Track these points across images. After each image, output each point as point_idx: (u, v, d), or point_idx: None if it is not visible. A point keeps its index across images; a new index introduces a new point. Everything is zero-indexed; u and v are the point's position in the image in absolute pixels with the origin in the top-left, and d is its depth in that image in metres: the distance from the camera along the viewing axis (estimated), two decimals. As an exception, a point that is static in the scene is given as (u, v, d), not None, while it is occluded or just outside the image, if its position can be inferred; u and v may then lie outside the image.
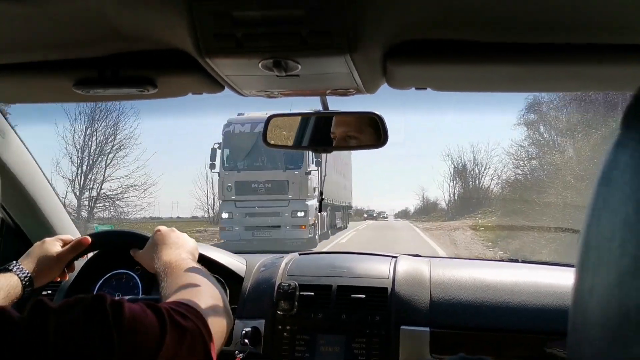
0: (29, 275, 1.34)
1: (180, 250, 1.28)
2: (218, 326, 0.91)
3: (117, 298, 0.73)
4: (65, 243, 1.50)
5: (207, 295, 0.97)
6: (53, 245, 1.46)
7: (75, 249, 1.49)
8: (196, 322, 0.81)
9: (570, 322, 0.40)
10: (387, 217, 75.92)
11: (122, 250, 1.59)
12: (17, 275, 1.32)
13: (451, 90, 1.28)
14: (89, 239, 1.52)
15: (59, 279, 1.52)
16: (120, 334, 0.68)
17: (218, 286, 1.09)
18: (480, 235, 19.36)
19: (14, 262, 1.38)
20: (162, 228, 1.37)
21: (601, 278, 0.35)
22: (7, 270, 1.32)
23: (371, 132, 1.49)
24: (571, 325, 0.40)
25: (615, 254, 0.33)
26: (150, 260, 1.26)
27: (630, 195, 0.33)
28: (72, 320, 0.67)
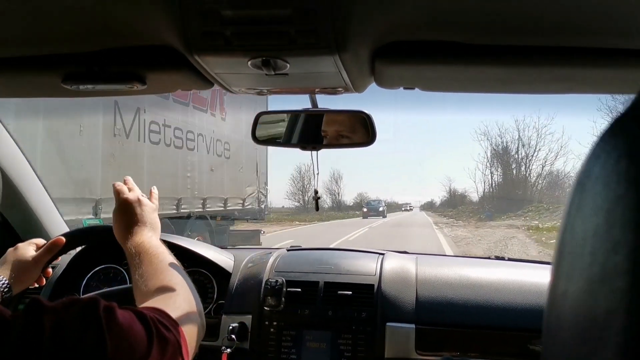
0: (6, 282, 1.32)
1: (147, 227, 1.25)
2: (193, 338, 0.91)
3: (107, 303, 0.73)
4: (38, 247, 1.47)
5: (184, 303, 0.97)
6: (27, 250, 1.43)
7: (51, 251, 1.46)
8: (176, 334, 0.81)
9: (545, 323, 0.41)
10: (411, 208, 75.50)
11: (109, 245, 1.59)
12: None
13: (439, 90, 1.29)
14: (63, 239, 1.50)
15: (36, 285, 1.49)
16: (112, 339, 0.68)
17: (193, 288, 1.08)
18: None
19: None
20: (130, 196, 1.32)
21: (573, 283, 0.36)
22: None
23: (361, 130, 1.50)
24: (545, 327, 0.41)
25: (586, 262, 0.34)
26: (121, 234, 1.24)
27: (602, 205, 0.34)
28: (68, 320, 0.67)
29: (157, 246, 1.18)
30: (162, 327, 0.78)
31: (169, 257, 1.15)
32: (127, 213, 1.28)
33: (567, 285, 0.37)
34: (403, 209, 72.33)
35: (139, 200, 1.32)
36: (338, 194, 69.60)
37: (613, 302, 0.31)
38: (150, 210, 1.33)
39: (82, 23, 1.00)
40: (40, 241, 1.50)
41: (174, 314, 0.86)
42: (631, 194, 0.32)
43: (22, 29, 1.03)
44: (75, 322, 0.68)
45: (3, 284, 1.31)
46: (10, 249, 1.44)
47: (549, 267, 1.84)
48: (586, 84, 1.21)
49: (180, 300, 0.97)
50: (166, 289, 0.99)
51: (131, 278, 1.78)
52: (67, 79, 1.16)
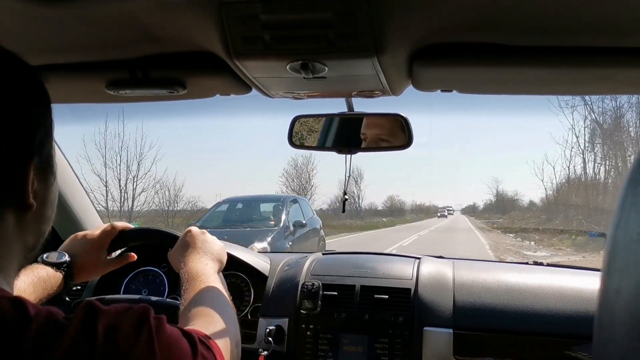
0: (68, 259, 1.32)
1: (207, 256, 1.27)
2: None
3: (156, 315, 0.74)
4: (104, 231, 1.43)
5: (225, 331, 0.98)
6: (89, 234, 1.42)
7: (109, 234, 1.43)
8: (216, 355, 0.82)
9: (596, 322, 0.40)
10: (452, 212, 72.21)
11: (150, 248, 1.62)
12: (57, 267, 1.29)
13: (478, 92, 1.28)
14: (130, 225, 1.49)
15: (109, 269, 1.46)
16: (161, 348, 0.69)
17: (235, 318, 1.09)
18: None
19: (54, 252, 1.34)
20: (193, 229, 1.36)
21: (628, 279, 0.35)
22: (48, 264, 1.29)
23: (399, 134, 1.50)
24: (597, 325, 0.40)
25: None
26: (177, 261, 1.26)
27: None
28: (121, 325, 0.68)
29: (208, 274, 1.19)
30: (204, 347, 0.79)
31: (216, 284, 1.16)
32: (186, 241, 1.32)
33: (620, 282, 0.36)
34: (439, 214, 66.06)
35: (203, 232, 1.35)
36: (358, 197, 57.55)
37: None
38: (214, 241, 1.35)
39: (125, 30, 1.03)
40: (107, 226, 1.47)
41: (214, 338, 0.87)
42: None
43: (68, 37, 1.06)
44: (129, 327, 0.68)
45: (64, 262, 1.31)
46: (72, 236, 1.43)
47: (588, 272, 1.81)
48: (629, 85, 1.18)
49: (219, 327, 0.98)
50: (207, 316, 1.01)
51: (169, 281, 1.82)
52: (111, 84, 1.20)
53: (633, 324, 0.34)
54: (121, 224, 1.48)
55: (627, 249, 0.36)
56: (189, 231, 1.35)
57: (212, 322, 0.99)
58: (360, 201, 57.99)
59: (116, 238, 1.45)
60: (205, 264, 1.23)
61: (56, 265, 1.29)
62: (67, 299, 1.37)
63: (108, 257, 1.45)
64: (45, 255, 1.30)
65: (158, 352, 0.68)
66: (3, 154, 0.67)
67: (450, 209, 78.26)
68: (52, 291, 1.27)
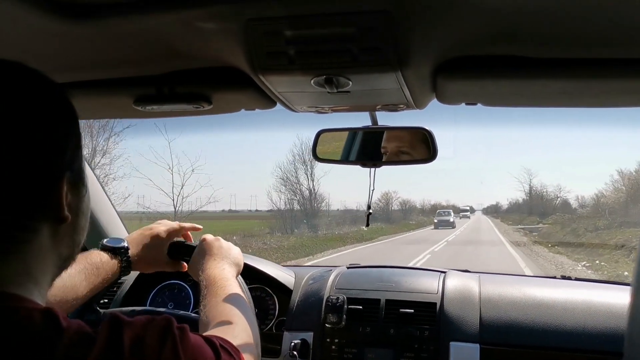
0: (128, 250, 1.31)
1: (224, 261, 1.29)
2: None
3: (179, 325, 0.75)
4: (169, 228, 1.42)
5: (243, 333, 1.00)
6: (154, 228, 1.41)
7: (174, 232, 1.42)
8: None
9: (627, 338, 0.40)
10: (467, 215, 57.11)
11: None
12: (115, 253, 1.29)
13: (503, 105, 1.27)
14: (200, 227, 1.49)
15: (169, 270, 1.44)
16: (186, 357, 0.70)
17: (254, 320, 1.10)
18: None
19: (115, 238, 1.34)
20: (208, 237, 1.37)
21: None
22: (107, 248, 1.29)
23: (421, 146, 1.50)
24: (628, 341, 0.40)
25: None
26: (196, 270, 1.27)
27: None
28: (146, 336, 0.69)
29: (227, 278, 1.21)
30: (225, 352, 0.80)
31: (234, 288, 1.17)
32: (203, 249, 1.33)
33: None
34: (436, 220, 46.12)
35: (217, 239, 1.36)
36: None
37: None
38: (230, 246, 1.36)
39: (151, 47, 1.05)
40: (174, 224, 1.46)
41: (234, 342, 0.88)
42: None
43: (95, 54, 1.09)
44: (154, 338, 0.70)
45: (122, 247, 1.30)
46: (140, 229, 1.42)
47: (618, 287, 1.78)
48: None
49: (238, 330, 1.00)
50: (227, 321, 1.02)
51: (195, 294, 1.84)
52: (139, 100, 1.22)
53: None
54: (189, 225, 1.48)
55: None
56: (204, 239, 1.35)
57: (232, 326, 1.00)
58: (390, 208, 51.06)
59: (179, 247, 1.42)
60: (222, 269, 1.25)
61: (114, 251, 1.29)
62: (97, 308, 1.39)
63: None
64: (105, 240, 1.31)
65: None
66: (37, 171, 0.69)
67: (466, 211, 61.74)
68: (106, 277, 1.27)
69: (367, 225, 1.69)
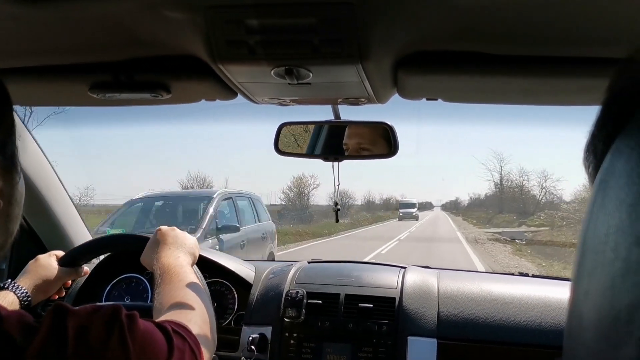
0: (27, 292, 1.37)
1: (179, 250, 1.28)
2: (206, 352, 0.92)
3: (128, 311, 0.74)
4: (58, 258, 1.55)
5: (200, 319, 0.98)
6: (48, 261, 1.50)
7: (76, 274, 1.58)
8: (192, 346, 0.82)
9: (567, 327, 0.40)
10: (413, 213, 45.65)
11: (130, 255, 1.60)
12: (15, 293, 1.34)
13: (462, 101, 1.28)
14: (88, 270, 1.63)
15: (56, 297, 1.55)
16: (135, 345, 0.69)
17: (210, 306, 1.09)
18: None
19: (9, 280, 1.39)
20: (163, 227, 1.37)
21: (596, 281, 0.35)
22: (2, 288, 1.34)
23: (383, 142, 1.50)
24: (567, 330, 0.40)
25: (608, 258, 0.34)
26: (150, 260, 1.26)
27: (624, 199, 0.34)
28: (92, 325, 0.67)
29: (181, 266, 1.20)
30: (179, 338, 0.78)
31: (189, 275, 1.17)
32: (157, 239, 1.32)
33: (589, 285, 0.36)
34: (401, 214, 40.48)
35: (172, 229, 1.37)
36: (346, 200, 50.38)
37: (636, 296, 0.31)
38: (185, 235, 1.37)
39: (109, 33, 1.02)
40: (60, 253, 1.57)
41: (193, 327, 0.86)
42: None
43: (51, 39, 1.05)
44: (100, 327, 0.68)
45: (23, 293, 1.34)
46: (31, 261, 1.49)
47: None
48: None
49: (193, 314, 0.98)
50: (181, 305, 1.01)
51: (152, 286, 1.81)
52: (94, 87, 1.19)
53: (600, 325, 0.34)
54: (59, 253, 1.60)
55: (595, 251, 0.36)
56: (159, 230, 1.36)
57: (186, 311, 0.99)
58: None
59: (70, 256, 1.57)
60: (177, 257, 1.24)
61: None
62: (42, 313, 1.38)
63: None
64: (3, 284, 1.36)
65: (132, 349, 0.68)
66: None
67: (412, 206, 48.92)
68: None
69: (337, 220, 1.68)
